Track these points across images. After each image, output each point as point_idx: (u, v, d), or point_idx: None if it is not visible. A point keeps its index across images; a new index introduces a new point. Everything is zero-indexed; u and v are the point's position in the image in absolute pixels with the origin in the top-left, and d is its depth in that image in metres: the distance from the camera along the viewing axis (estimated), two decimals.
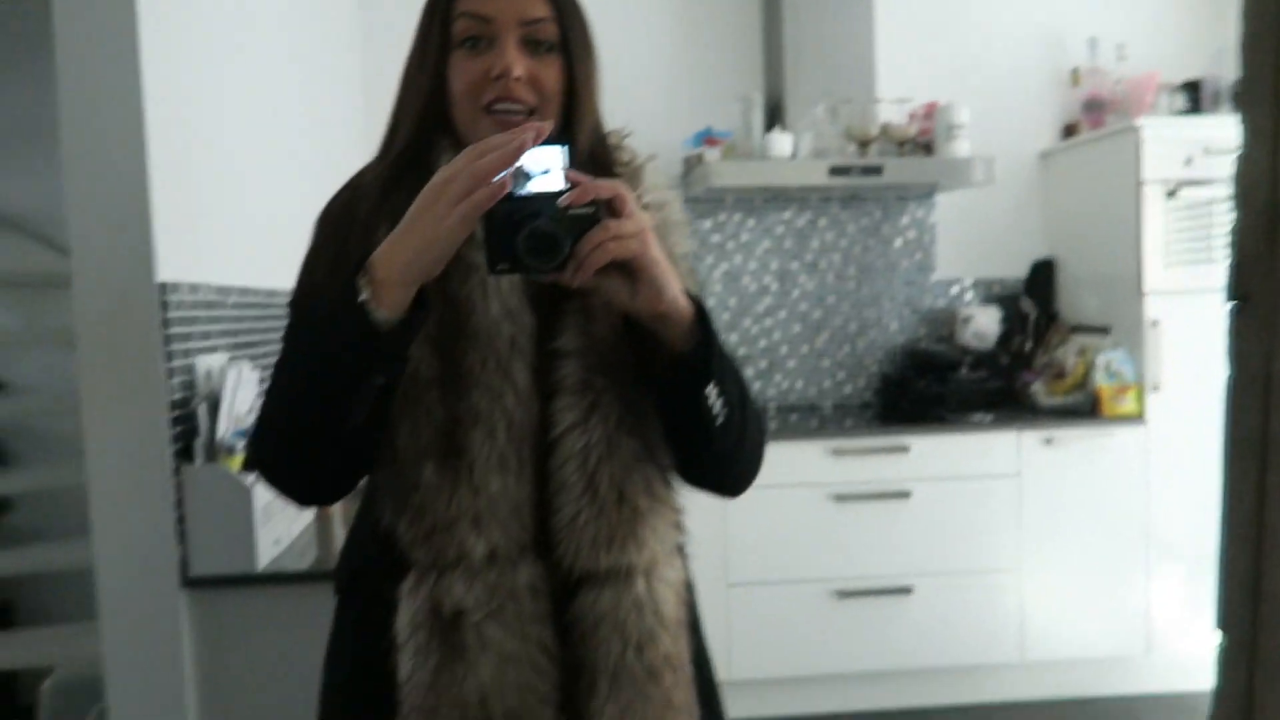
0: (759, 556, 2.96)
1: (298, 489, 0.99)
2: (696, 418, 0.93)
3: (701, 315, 0.91)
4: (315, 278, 0.99)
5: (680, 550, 1.02)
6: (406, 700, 0.92)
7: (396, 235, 0.85)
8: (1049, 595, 3.03)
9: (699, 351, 0.90)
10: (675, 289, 0.89)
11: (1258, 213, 0.51)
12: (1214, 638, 0.54)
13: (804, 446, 2.96)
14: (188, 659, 1.56)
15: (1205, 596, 3.03)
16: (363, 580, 1.02)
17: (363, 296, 0.85)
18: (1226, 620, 0.51)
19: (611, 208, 0.85)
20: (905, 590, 2.99)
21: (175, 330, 1.56)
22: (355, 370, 0.86)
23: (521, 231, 0.81)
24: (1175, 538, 3.03)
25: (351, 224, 0.97)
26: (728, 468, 1.02)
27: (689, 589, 1.02)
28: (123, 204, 1.51)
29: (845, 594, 2.98)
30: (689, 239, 1.04)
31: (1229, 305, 0.51)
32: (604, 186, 0.85)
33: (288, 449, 0.95)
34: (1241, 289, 0.49)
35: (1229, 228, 0.53)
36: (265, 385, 0.99)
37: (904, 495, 2.98)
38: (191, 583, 1.56)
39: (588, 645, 0.93)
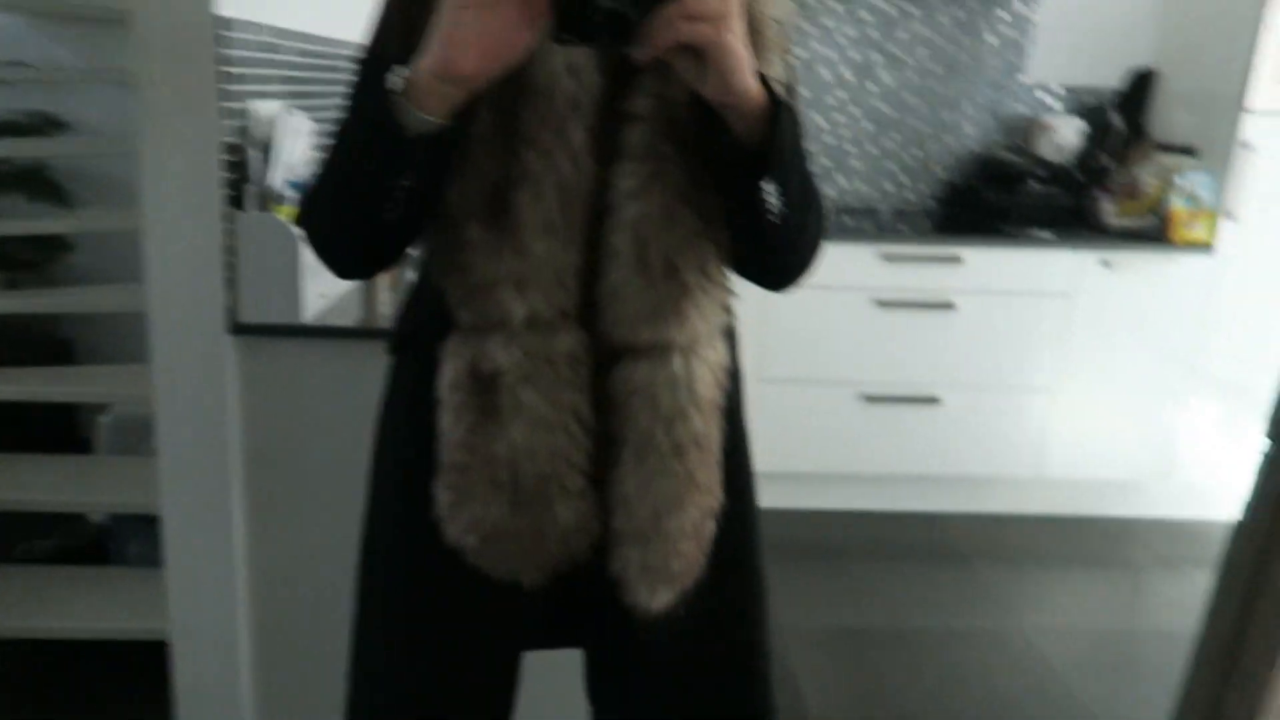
0: (795, 354, 2.98)
1: (334, 263, 0.98)
2: (750, 209, 0.89)
3: (775, 109, 0.84)
4: (380, 40, 0.92)
5: (727, 334, 1.00)
6: (444, 457, 0.94)
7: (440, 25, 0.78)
8: (1077, 417, 3.04)
9: (764, 146, 0.84)
10: (746, 82, 0.81)
11: None
12: (1259, 445, 0.53)
13: (854, 249, 2.90)
14: (234, 404, 1.62)
15: (1237, 431, 3.02)
16: (415, 339, 1.02)
17: (395, 89, 0.80)
18: (1277, 428, 0.50)
19: None
20: (933, 400, 3.02)
21: (231, 70, 1.51)
22: (382, 168, 0.82)
23: (590, 2, 0.75)
24: (1219, 372, 2.98)
25: None
26: (773, 264, 0.99)
27: (731, 375, 1.00)
28: None
29: (874, 399, 3.01)
30: (789, 2, 0.95)
31: None
32: None
33: (327, 224, 0.93)
34: None
35: None
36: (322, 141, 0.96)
37: (949, 307, 2.95)
38: (239, 329, 1.60)
39: (619, 417, 0.93)
